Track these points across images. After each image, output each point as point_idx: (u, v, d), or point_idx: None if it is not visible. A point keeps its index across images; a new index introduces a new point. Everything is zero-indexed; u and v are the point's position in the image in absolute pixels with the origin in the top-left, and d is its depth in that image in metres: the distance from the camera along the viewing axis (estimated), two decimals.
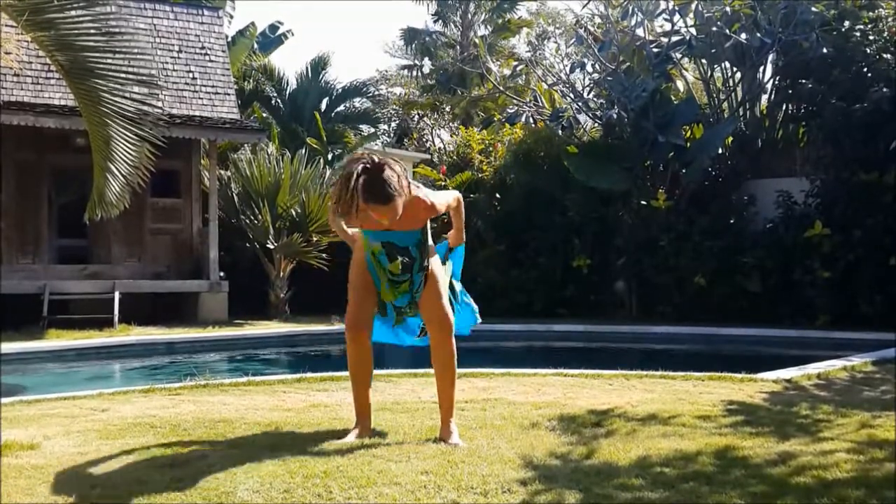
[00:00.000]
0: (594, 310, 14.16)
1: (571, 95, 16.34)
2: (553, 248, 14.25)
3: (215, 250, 14.28)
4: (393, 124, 27.62)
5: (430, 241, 4.41)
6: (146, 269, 14.66)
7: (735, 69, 14.76)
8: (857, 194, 11.76)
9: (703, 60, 14.90)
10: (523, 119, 16.64)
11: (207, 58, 15.50)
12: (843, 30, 12.87)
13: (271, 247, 14.61)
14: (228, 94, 15.47)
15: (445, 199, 4.47)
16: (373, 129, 23.76)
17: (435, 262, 4.42)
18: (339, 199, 4.00)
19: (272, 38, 23.80)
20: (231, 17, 22.53)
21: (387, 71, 29.92)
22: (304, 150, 15.81)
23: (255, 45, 22.29)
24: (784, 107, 14.35)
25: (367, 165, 3.97)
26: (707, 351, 10.70)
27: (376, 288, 4.39)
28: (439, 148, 18.00)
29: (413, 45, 26.40)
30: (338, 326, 11.96)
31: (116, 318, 12.64)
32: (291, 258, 14.58)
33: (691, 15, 14.70)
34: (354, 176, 3.95)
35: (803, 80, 12.90)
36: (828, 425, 4.58)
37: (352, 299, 4.35)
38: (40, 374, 9.48)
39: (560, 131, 15.09)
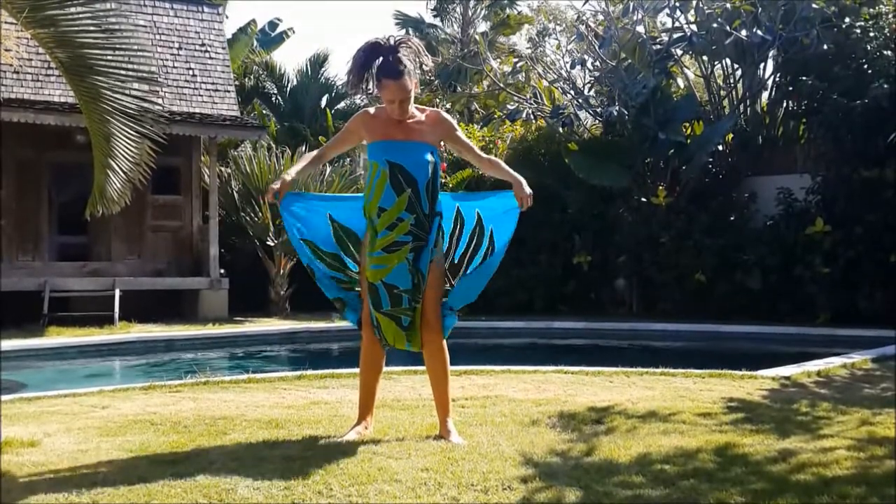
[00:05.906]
0: (594, 307, 14.15)
1: (572, 92, 16.32)
2: (553, 245, 14.24)
3: (215, 247, 14.28)
4: None
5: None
6: (146, 266, 14.66)
7: (735, 66, 14.74)
8: (858, 191, 11.74)
9: (704, 57, 14.87)
10: (524, 116, 16.60)
11: (207, 55, 15.49)
12: (844, 26, 12.85)
13: (272, 244, 14.61)
14: (228, 91, 15.47)
15: (468, 140, 4.48)
16: None
17: (438, 258, 4.20)
18: (351, 75, 4.12)
19: (273, 36, 23.77)
20: (228, 16, 22.52)
21: None
22: (304, 147, 15.79)
23: (255, 43, 22.25)
24: (784, 103, 14.32)
25: (382, 42, 4.10)
26: (707, 348, 10.69)
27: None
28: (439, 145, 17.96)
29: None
30: (338, 324, 11.96)
31: (117, 316, 12.64)
32: (292, 255, 14.58)
33: (692, 11, 14.69)
34: (369, 50, 4.07)
35: (804, 77, 12.88)
36: (828, 423, 4.58)
37: (365, 298, 4.27)
38: (41, 372, 9.48)
39: (560, 128, 15.08)
